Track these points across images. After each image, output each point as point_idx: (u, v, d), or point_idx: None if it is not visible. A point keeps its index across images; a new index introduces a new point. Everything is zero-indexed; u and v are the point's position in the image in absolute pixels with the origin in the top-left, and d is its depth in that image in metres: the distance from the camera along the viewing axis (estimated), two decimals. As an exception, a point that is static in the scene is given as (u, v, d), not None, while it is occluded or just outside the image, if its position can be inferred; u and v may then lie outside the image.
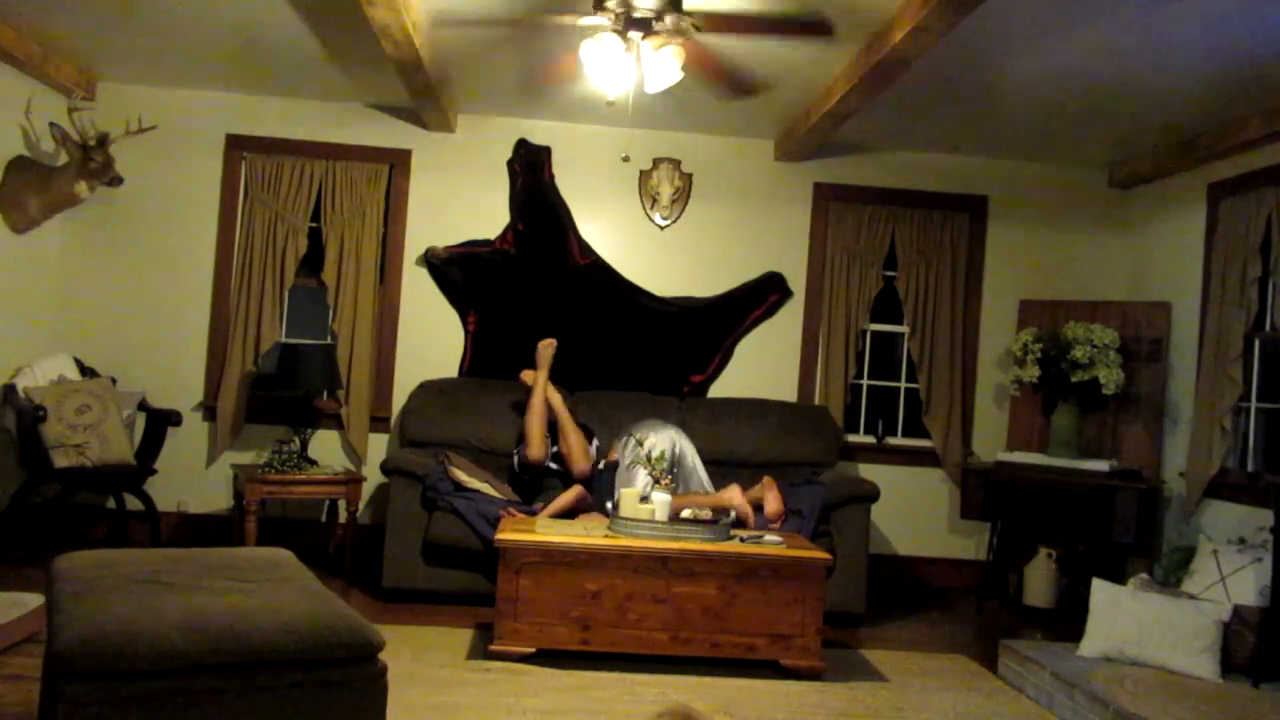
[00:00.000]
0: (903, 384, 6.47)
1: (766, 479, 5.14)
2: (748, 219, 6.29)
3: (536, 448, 5.26)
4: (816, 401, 6.20)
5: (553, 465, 5.34)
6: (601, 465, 5.34)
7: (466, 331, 6.12)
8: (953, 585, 6.23)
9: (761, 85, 4.63)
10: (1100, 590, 4.27)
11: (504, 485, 5.20)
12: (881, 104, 5.14)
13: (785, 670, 4.20)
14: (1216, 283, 5.35)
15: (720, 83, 4.54)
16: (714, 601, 4.20)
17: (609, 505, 4.76)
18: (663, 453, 4.95)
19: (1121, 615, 4.11)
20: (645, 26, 3.95)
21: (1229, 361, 5.15)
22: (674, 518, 4.41)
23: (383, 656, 2.57)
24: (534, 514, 4.88)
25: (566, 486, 5.16)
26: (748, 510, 4.87)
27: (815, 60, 4.68)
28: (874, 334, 6.43)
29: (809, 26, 4.17)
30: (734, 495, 4.94)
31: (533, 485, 5.34)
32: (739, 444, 5.74)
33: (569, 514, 4.90)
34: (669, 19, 3.92)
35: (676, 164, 6.26)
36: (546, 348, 5.49)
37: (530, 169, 6.15)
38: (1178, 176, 5.90)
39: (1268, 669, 3.93)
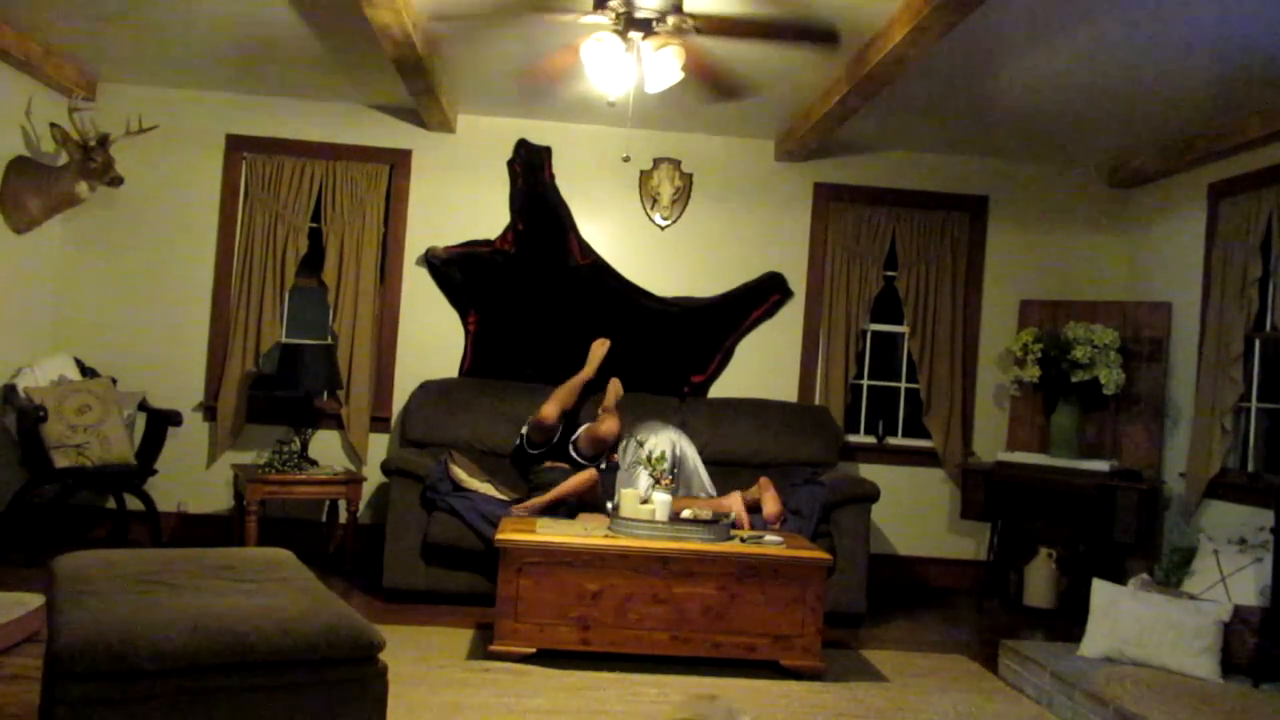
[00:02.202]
0: (903, 384, 6.47)
1: (763, 480, 5.13)
2: (748, 219, 6.29)
3: (550, 405, 5.35)
4: (817, 401, 6.20)
5: (568, 451, 5.40)
6: (603, 465, 5.34)
7: (467, 332, 6.12)
8: (953, 585, 6.23)
9: (747, 88, 4.63)
10: (1100, 590, 4.26)
11: (504, 486, 5.19)
12: (881, 104, 5.14)
13: (785, 670, 4.20)
14: (1217, 283, 5.35)
15: (707, 82, 4.53)
16: (714, 602, 4.20)
17: (609, 506, 4.76)
18: (663, 453, 4.95)
19: (1122, 615, 4.11)
20: (646, 27, 3.95)
21: (1229, 362, 5.15)
22: (674, 518, 4.41)
23: (383, 657, 2.57)
24: (538, 501, 4.94)
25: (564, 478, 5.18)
26: (745, 520, 4.85)
27: (814, 61, 4.68)
28: (874, 334, 6.43)
29: (811, 33, 4.17)
30: (734, 502, 4.92)
31: (534, 460, 5.38)
32: (739, 444, 5.74)
33: (577, 506, 4.89)
34: (670, 19, 3.92)
35: (677, 164, 6.26)
36: (599, 346, 5.91)
37: (530, 169, 6.15)
38: (1178, 176, 5.90)
39: (1268, 669, 3.93)
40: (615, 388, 5.78)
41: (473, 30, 4.60)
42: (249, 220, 5.97)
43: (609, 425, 5.32)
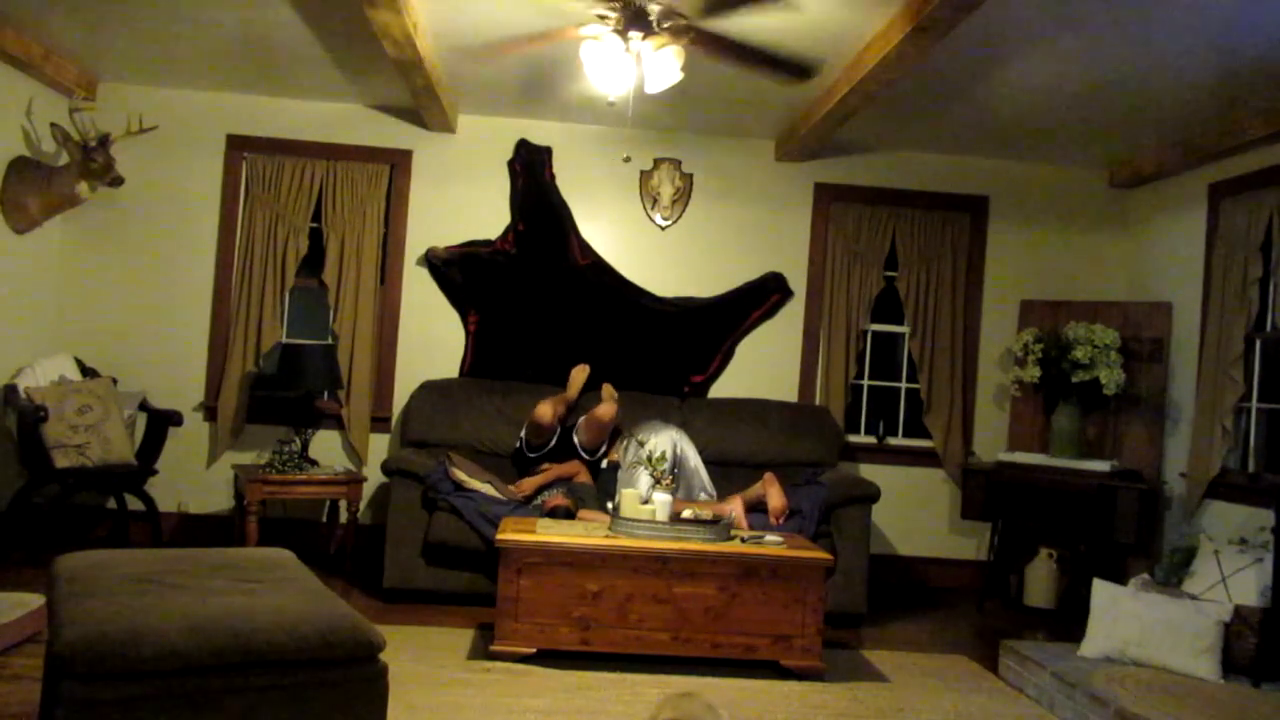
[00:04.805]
0: (903, 384, 6.47)
1: (768, 475, 5.14)
2: (748, 219, 6.29)
3: (545, 405, 5.35)
4: (817, 402, 6.20)
5: (571, 441, 5.44)
6: (605, 465, 5.34)
7: (467, 332, 6.11)
8: (953, 585, 6.22)
9: (817, 64, 4.48)
10: (1101, 590, 4.27)
11: (505, 485, 5.20)
12: (882, 104, 5.14)
13: (786, 671, 4.20)
14: (1217, 283, 5.35)
15: (773, 68, 4.42)
16: (714, 602, 4.20)
17: (610, 505, 4.76)
18: (664, 453, 4.96)
19: (1122, 616, 4.11)
20: (646, 27, 3.95)
21: (1230, 361, 5.15)
22: (675, 518, 4.41)
23: (383, 657, 2.57)
24: (530, 502, 5.04)
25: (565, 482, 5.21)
26: (744, 524, 4.86)
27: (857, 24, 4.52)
28: (875, 334, 6.43)
29: None
30: (734, 506, 4.93)
31: (533, 462, 5.41)
32: (740, 444, 5.74)
33: (565, 506, 4.90)
34: (665, 24, 3.91)
35: (677, 164, 6.26)
36: (580, 372, 5.86)
37: (531, 169, 6.15)
38: (1178, 176, 5.90)
39: (1268, 669, 3.93)
40: (608, 389, 5.80)
41: (474, 36, 4.60)
42: (249, 220, 5.97)
43: (605, 408, 5.36)
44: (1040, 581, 5.73)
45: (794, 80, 4.48)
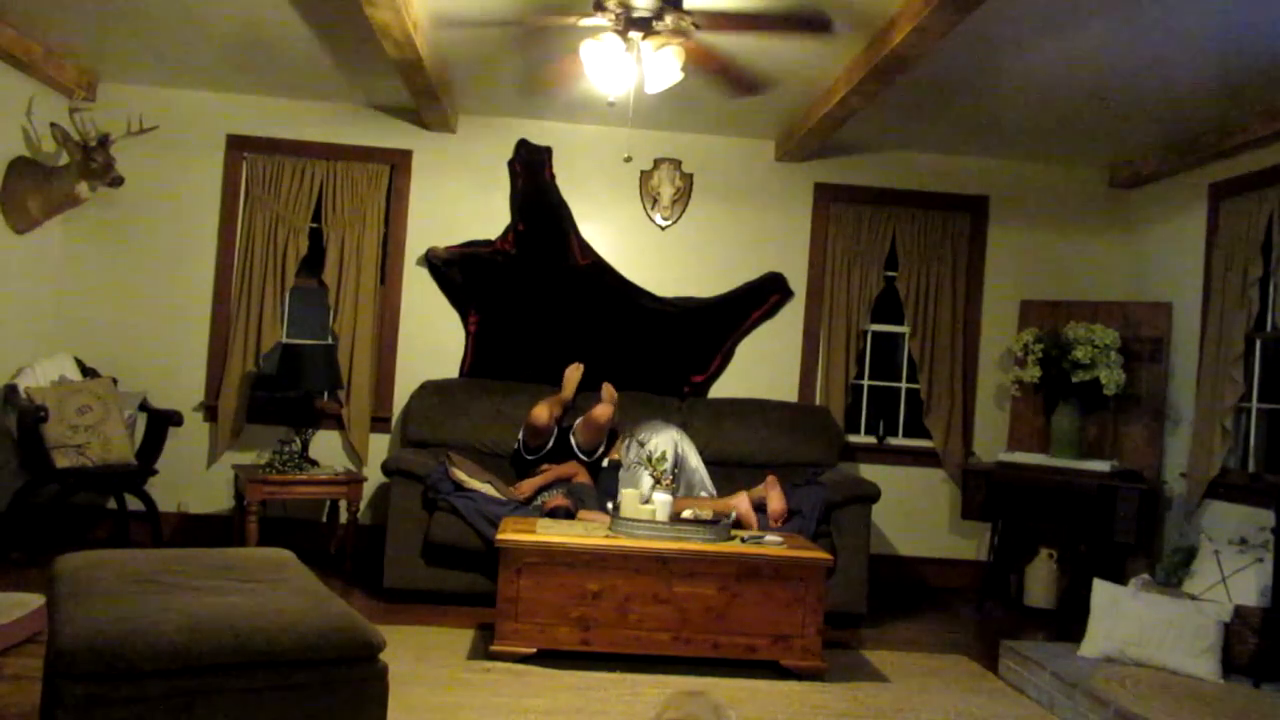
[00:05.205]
0: (904, 384, 6.47)
1: (771, 477, 5.14)
2: (748, 219, 6.29)
3: (540, 407, 5.35)
4: (817, 402, 6.20)
5: (569, 442, 5.44)
6: (606, 464, 5.34)
7: (467, 332, 6.12)
8: (953, 586, 6.22)
9: (765, 81, 4.64)
10: (1101, 591, 4.27)
11: (505, 486, 5.20)
12: (882, 104, 5.14)
13: (786, 671, 4.20)
14: (1217, 283, 5.35)
15: (725, 80, 4.54)
16: (715, 602, 4.20)
17: (610, 505, 4.76)
18: (664, 453, 4.96)
19: (1122, 616, 4.11)
20: (646, 26, 3.95)
21: (1230, 362, 5.15)
22: (675, 518, 4.41)
23: (383, 657, 2.57)
24: (530, 503, 5.04)
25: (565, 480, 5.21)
26: (752, 519, 4.86)
27: (817, 59, 4.69)
28: (875, 334, 6.43)
29: (806, 23, 4.17)
30: (740, 502, 4.93)
31: (531, 464, 5.41)
32: (740, 444, 5.74)
33: (565, 506, 4.90)
34: (669, 18, 3.92)
35: (677, 164, 6.26)
36: (574, 371, 5.87)
37: (531, 169, 6.15)
38: (1178, 176, 5.90)
39: (1268, 669, 3.93)
40: (609, 389, 5.80)
41: (473, 32, 4.61)
42: (249, 220, 5.97)
43: (602, 410, 5.35)
44: (1040, 581, 5.73)
45: (813, 33, 4.46)
